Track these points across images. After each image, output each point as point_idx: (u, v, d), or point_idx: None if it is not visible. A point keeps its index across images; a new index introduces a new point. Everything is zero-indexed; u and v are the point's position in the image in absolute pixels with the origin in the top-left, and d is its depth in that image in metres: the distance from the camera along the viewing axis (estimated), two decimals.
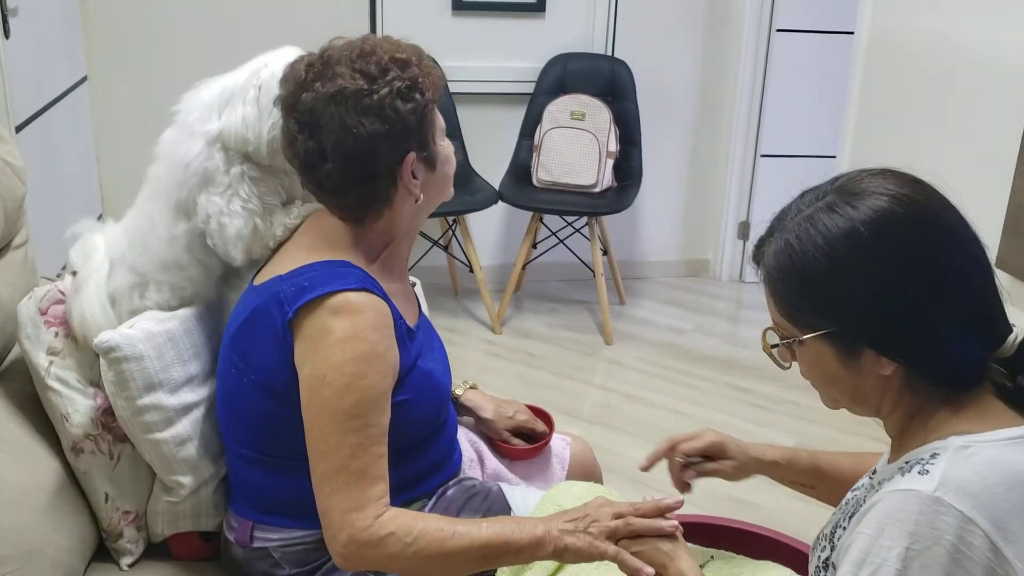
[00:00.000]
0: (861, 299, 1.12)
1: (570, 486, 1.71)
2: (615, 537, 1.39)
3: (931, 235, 1.12)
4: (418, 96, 1.49)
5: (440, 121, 1.57)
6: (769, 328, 1.24)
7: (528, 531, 1.41)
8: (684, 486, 1.59)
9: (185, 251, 1.64)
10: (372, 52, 1.49)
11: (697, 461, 1.59)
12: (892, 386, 1.16)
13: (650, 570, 1.35)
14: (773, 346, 1.23)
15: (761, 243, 1.21)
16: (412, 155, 1.50)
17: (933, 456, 1.09)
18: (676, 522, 1.40)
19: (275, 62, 1.61)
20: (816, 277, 1.13)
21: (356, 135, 1.45)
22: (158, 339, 1.59)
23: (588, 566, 1.54)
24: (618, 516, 1.41)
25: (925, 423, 1.16)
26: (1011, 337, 1.15)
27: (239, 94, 1.60)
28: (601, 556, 1.39)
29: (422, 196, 1.55)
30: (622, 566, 1.38)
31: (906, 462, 1.13)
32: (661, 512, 1.42)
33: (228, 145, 1.59)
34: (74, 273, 1.67)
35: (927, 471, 1.07)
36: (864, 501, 1.16)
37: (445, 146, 1.59)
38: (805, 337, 1.17)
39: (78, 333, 1.63)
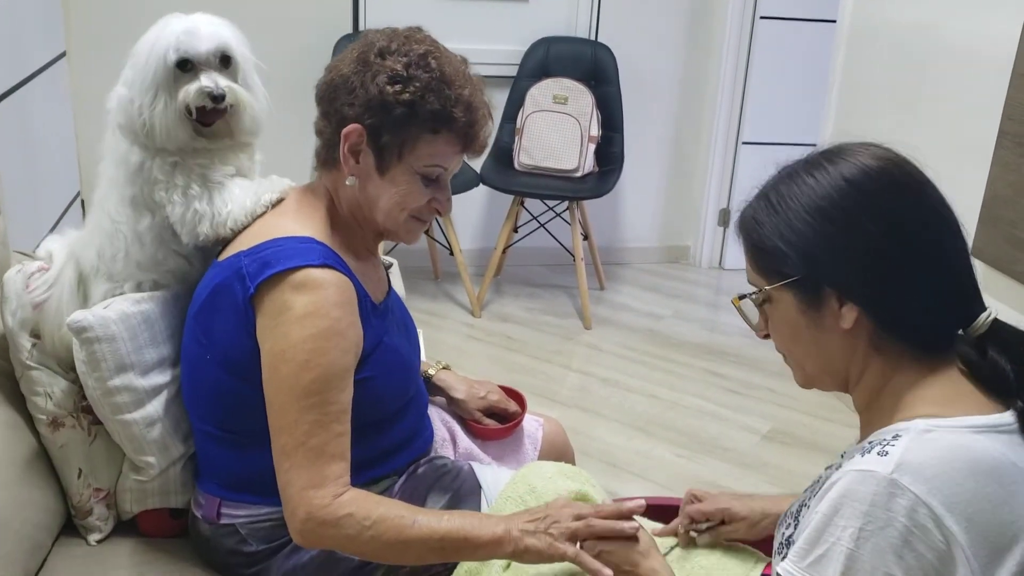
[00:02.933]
0: (829, 243, 1.14)
1: (540, 466, 1.71)
2: (576, 539, 1.39)
3: (906, 192, 1.15)
4: (432, 106, 1.48)
5: (440, 162, 1.53)
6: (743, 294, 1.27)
7: (488, 529, 1.41)
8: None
9: (157, 245, 1.61)
10: (465, 59, 1.56)
11: (710, 525, 1.59)
12: (858, 347, 1.17)
13: (608, 572, 1.35)
14: (741, 297, 1.26)
15: (746, 204, 1.24)
16: (358, 127, 1.49)
17: (895, 437, 1.10)
18: (638, 524, 1.39)
19: (147, 35, 1.55)
20: (789, 223, 1.16)
21: (342, 70, 1.51)
22: (132, 320, 1.58)
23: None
24: (579, 517, 1.40)
25: (893, 400, 1.17)
26: (983, 315, 1.16)
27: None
28: (561, 557, 1.38)
29: (355, 183, 1.53)
30: (582, 567, 1.38)
31: (869, 442, 1.14)
32: (623, 515, 1.41)
33: (123, 133, 1.55)
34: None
35: (886, 452, 1.07)
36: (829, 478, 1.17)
37: (412, 188, 1.53)
38: (772, 287, 1.19)
39: (53, 351, 1.62)
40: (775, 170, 1.23)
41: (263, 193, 1.59)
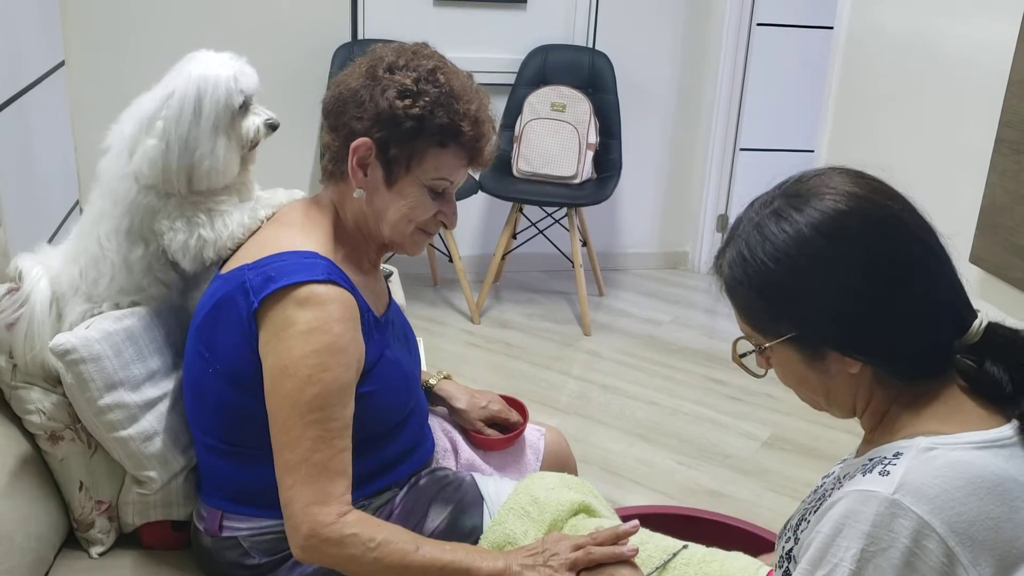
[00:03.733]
0: (816, 301, 1.12)
1: (543, 477, 1.71)
2: (576, 568, 1.40)
3: (880, 229, 1.11)
4: (440, 120, 1.48)
5: (447, 175, 1.54)
6: (740, 338, 1.24)
7: (490, 562, 1.43)
8: None
9: (145, 274, 1.62)
10: (471, 75, 1.56)
11: None
12: (863, 383, 1.16)
13: None
14: (742, 355, 1.23)
15: (719, 255, 1.21)
16: (367, 140, 1.50)
17: (896, 456, 1.09)
18: (636, 548, 1.40)
19: (185, 85, 1.54)
20: (770, 283, 1.13)
21: (351, 84, 1.51)
22: (116, 337, 1.58)
23: None
24: (577, 547, 1.42)
25: (895, 419, 1.16)
26: (976, 323, 1.14)
27: (147, 127, 1.55)
28: None
29: (363, 195, 1.54)
30: None
31: (869, 459, 1.13)
32: (619, 539, 1.43)
33: (146, 184, 1.56)
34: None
35: (888, 472, 1.07)
36: (829, 494, 1.17)
37: (420, 201, 1.54)
38: (769, 344, 1.17)
39: (26, 370, 1.61)
40: (743, 208, 1.19)
41: (259, 209, 1.61)
